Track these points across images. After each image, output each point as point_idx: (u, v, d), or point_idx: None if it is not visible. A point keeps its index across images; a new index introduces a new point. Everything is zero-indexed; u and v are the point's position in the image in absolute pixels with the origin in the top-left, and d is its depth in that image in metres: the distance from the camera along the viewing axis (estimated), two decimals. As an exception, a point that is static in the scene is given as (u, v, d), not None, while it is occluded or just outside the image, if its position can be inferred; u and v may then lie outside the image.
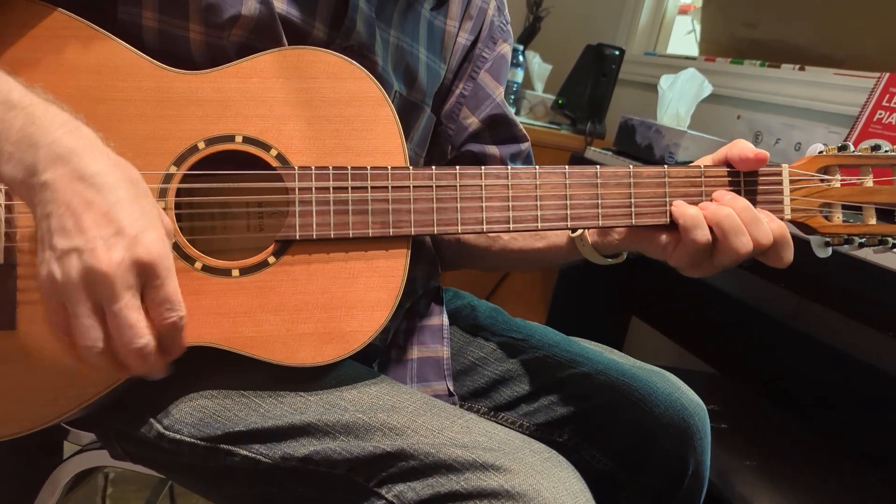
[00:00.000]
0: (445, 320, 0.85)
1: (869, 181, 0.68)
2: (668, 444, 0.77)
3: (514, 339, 0.86)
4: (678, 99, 1.73)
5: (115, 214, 0.52)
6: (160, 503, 1.26)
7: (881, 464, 1.26)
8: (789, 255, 0.66)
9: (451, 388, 0.81)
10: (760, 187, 0.68)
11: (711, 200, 0.67)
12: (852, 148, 0.68)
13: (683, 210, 0.66)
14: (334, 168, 0.63)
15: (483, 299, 0.95)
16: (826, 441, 1.29)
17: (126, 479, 1.51)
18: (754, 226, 0.64)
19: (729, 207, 0.64)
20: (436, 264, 0.87)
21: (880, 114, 1.38)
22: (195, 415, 0.65)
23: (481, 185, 0.65)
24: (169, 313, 0.54)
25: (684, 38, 2.39)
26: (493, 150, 0.86)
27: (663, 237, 0.68)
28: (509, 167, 0.66)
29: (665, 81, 1.76)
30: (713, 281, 1.81)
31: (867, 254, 1.07)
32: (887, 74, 1.38)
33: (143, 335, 0.53)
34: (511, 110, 0.89)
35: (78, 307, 0.52)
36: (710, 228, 0.65)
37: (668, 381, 0.81)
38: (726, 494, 1.08)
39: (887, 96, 1.37)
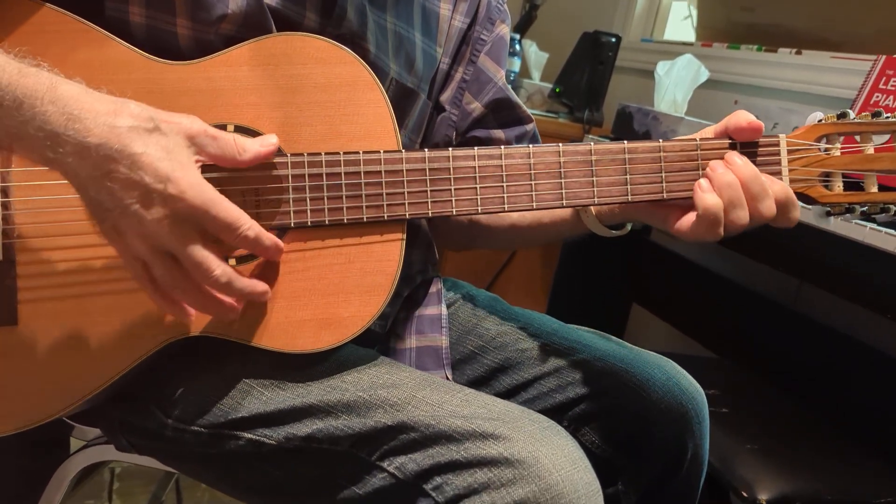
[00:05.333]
0: (444, 309, 0.85)
1: (870, 148, 0.66)
2: (667, 429, 0.77)
3: (512, 328, 0.86)
4: (675, 85, 1.73)
5: (136, 176, 0.52)
6: (166, 497, 1.27)
7: (882, 445, 1.26)
8: (796, 214, 0.66)
9: (450, 377, 0.81)
10: (758, 158, 0.67)
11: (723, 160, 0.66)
12: (852, 115, 0.67)
13: (706, 202, 0.64)
14: (326, 154, 0.63)
15: (483, 288, 0.96)
16: (827, 423, 1.29)
17: (132, 474, 1.52)
18: (760, 199, 0.64)
19: (734, 176, 0.64)
20: (432, 248, 0.87)
21: (877, 96, 1.37)
22: (198, 403, 0.65)
23: (475, 167, 0.65)
24: (237, 232, 0.56)
25: (681, 23, 2.38)
26: (498, 134, 0.87)
27: (667, 212, 0.68)
28: (502, 147, 0.66)
29: (662, 68, 1.76)
30: (713, 266, 1.82)
31: (866, 236, 1.07)
32: (884, 57, 1.38)
33: (215, 267, 0.55)
34: (513, 92, 0.88)
35: (149, 259, 0.55)
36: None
37: (666, 366, 0.81)
38: (727, 478, 1.08)
39: (884, 79, 1.37)
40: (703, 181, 0.66)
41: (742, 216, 0.64)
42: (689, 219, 0.66)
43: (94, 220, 0.56)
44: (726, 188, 0.64)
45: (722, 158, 0.66)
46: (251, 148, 0.59)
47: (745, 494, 1.05)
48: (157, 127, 0.54)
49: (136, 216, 0.53)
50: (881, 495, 1.09)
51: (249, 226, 0.56)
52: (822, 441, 1.24)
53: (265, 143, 0.60)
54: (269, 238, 0.59)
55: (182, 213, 0.54)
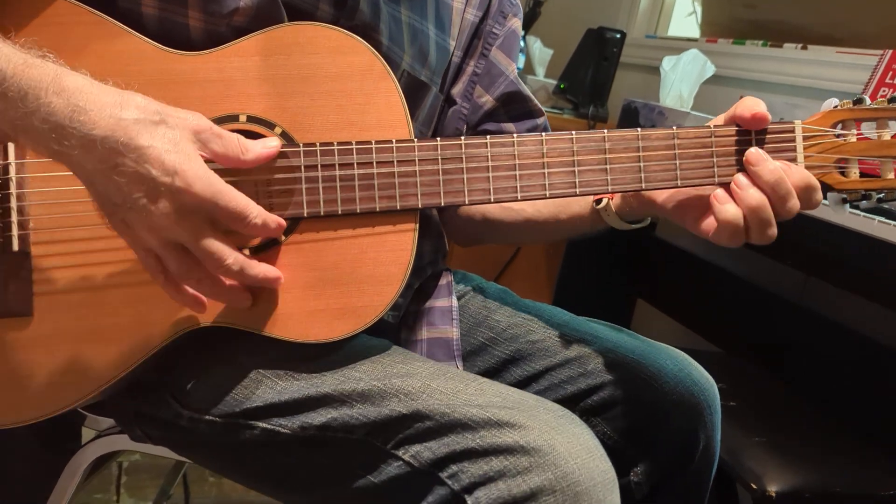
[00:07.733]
0: (454, 301, 0.85)
1: (886, 135, 0.66)
2: (679, 420, 0.77)
3: (523, 319, 0.86)
4: (681, 80, 1.73)
5: (142, 170, 0.53)
6: (174, 491, 1.28)
7: (889, 438, 1.26)
8: (818, 196, 0.64)
9: (461, 369, 0.81)
10: (772, 145, 0.65)
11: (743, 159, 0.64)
12: (868, 101, 0.66)
13: (724, 215, 0.63)
14: (339, 144, 0.63)
15: (491, 281, 0.96)
16: (834, 417, 1.29)
17: (140, 468, 1.52)
18: (785, 202, 0.62)
19: (761, 196, 0.62)
20: (443, 238, 0.87)
21: (884, 91, 1.37)
22: (213, 393, 0.66)
23: (487, 155, 0.65)
24: (246, 221, 0.57)
25: (685, 19, 2.38)
26: (509, 127, 0.87)
27: (684, 210, 0.68)
28: (515, 136, 0.65)
29: (667, 63, 1.76)
30: (719, 261, 1.81)
31: (874, 229, 1.07)
32: (890, 51, 1.37)
33: (227, 255, 0.56)
34: (525, 86, 0.88)
35: (160, 252, 0.56)
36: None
37: (678, 357, 0.81)
38: (736, 471, 1.08)
39: (890, 73, 1.37)
40: (719, 192, 0.64)
41: (772, 233, 0.63)
42: (712, 224, 0.65)
43: (102, 214, 0.56)
44: (756, 211, 0.62)
45: (735, 147, 0.65)
46: (253, 149, 0.59)
47: (754, 487, 1.05)
48: (164, 120, 0.54)
49: (144, 210, 0.53)
50: (889, 487, 1.09)
51: (257, 213, 0.57)
52: (830, 434, 1.24)
53: (267, 146, 0.60)
54: (274, 220, 0.59)
55: (190, 206, 0.54)
